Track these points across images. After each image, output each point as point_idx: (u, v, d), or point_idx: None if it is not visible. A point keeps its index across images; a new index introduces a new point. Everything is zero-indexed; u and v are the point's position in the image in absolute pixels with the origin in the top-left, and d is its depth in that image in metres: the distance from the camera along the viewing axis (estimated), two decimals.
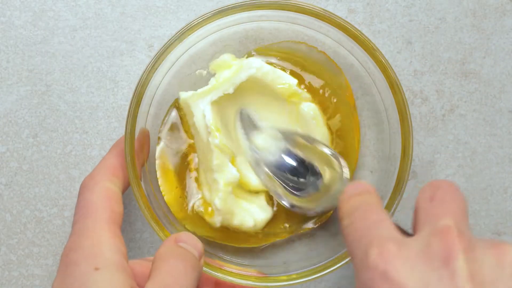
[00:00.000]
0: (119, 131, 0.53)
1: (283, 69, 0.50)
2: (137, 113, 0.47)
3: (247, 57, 0.50)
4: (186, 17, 0.53)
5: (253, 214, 0.49)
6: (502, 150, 0.53)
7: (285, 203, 0.48)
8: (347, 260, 0.46)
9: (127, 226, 0.52)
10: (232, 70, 0.49)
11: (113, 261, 0.41)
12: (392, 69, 0.47)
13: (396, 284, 0.34)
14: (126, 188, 0.47)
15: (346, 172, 0.48)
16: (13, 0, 0.53)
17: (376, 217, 0.39)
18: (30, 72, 0.53)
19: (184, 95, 0.49)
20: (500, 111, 0.53)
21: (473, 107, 0.53)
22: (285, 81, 0.49)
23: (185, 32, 0.47)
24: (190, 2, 0.53)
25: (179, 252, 0.42)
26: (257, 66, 0.49)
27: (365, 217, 0.39)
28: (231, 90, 0.48)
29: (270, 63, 0.50)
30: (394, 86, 0.47)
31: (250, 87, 0.49)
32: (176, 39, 0.47)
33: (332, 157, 0.48)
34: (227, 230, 0.49)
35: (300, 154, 0.49)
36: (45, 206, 0.52)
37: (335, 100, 0.50)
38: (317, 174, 0.48)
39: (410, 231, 0.40)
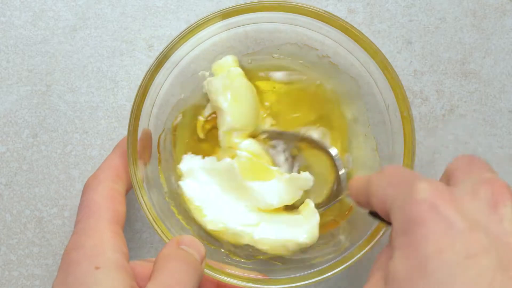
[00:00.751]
0: (119, 131, 0.53)
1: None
2: (140, 114, 0.47)
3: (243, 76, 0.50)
4: (186, 17, 0.53)
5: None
6: (502, 150, 0.53)
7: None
8: (348, 263, 0.46)
9: (127, 226, 0.52)
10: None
11: (114, 261, 0.41)
12: (394, 70, 0.47)
13: (446, 219, 0.34)
14: (129, 189, 0.47)
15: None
16: (13, 0, 0.53)
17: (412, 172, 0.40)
18: (30, 72, 0.53)
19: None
20: (500, 111, 0.53)
21: (473, 107, 0.53)
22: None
23: (186, 34, 0.47)
24: (190, 2, 0.53)
25: (182, 254, 0.42)
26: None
27: (404, 169, 0.40)
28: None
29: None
30: (396, 86, 0.47)
31: None
32: (178, 41, 0.47)
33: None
34: None
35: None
36: (45, 206, 0.52)
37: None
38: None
39: None
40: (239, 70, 0.50)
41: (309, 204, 0.49)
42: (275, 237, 0.48)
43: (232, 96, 0.49)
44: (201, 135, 0.51)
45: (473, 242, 0.33)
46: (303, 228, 0.48)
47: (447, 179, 0.39)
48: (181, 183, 0.50)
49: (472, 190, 0.35)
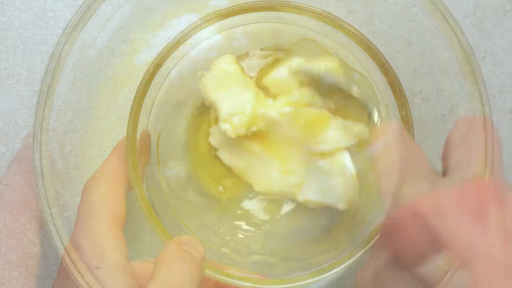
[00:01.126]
0: (119, 131, 0.53)
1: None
2: (139, 114, 0.47)
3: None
4: (187, 17, 0.53)
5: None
6: (502, 150, 0.53)
7: None
8: (349, 261, 0.46)
9: (127, 226, 0.52)
10: None
11: (114, 260, 0.41)
12: (393, 70, 0.48)
13: (427, 227, 0.33)
14: (129, 189, 0.47)
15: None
16: (13, 0, 0.53)
17: (412, 149, 0.38)
18: (30, 72, 0.53)
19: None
20: (500, 111, 0.53)
21: (473, 107, 0.53)
22: None
23: (186, 34, 0.47)
24: (190, 2, 0.53)
25: (183, 255, 0.42)
26: None
27: (402, 147, 0.39)
28: None
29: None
30: (395, 87, 0.47)
31: None
32: (177, 41, 0.47)
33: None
34: None
35: None
36: (45, 206, 0.52)
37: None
38: None
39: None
40: (233, 67, 0.49)
41: (344, 161, 0.48)
42: (317, 200, 0.48)
43: (217, 84, 0.48)
44: (215, 143, 0.51)
45: (451, 258, 0.33)
46: (341, 193, 0.48)
47: (447, 152, 0.38)
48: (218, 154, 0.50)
49: (460, 191, 0.35)
